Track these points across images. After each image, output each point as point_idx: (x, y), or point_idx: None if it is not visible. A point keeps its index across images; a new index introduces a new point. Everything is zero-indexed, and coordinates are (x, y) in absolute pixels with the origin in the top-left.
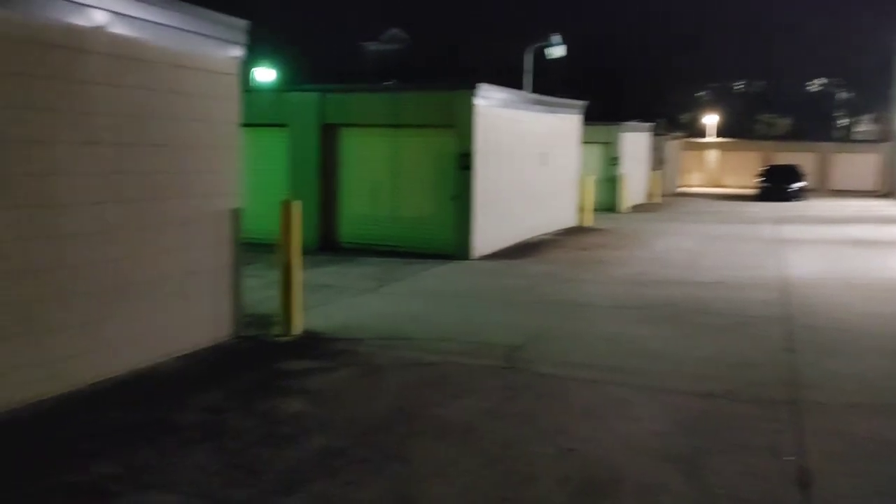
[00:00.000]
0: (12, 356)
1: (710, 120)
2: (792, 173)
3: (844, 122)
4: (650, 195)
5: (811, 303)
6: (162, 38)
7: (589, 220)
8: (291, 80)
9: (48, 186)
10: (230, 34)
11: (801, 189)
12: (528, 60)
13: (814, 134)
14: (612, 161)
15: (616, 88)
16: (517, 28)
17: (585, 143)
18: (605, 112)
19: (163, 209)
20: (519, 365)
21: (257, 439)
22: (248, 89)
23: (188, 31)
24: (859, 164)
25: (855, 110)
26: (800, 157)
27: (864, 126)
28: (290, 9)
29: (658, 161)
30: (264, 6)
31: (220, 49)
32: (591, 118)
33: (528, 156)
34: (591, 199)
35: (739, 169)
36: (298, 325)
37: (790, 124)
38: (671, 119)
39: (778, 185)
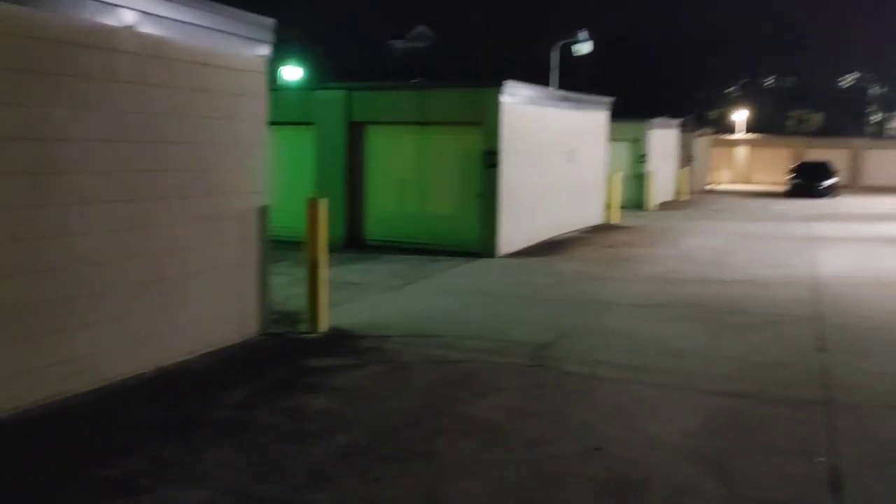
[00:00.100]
0: (41, 353)
1: (740, 116)
2: (823, 170)
3: (877, 117)
4: (678, 192)
5: (843, 301)
6: (190, 37)
7: (616, 218)
8: (318, 79)
9: (77, 184)
10: (257, 33)
11: (832, 186)
12: (555, 57)
13: (846, 130)
14: (640, 158)
15: (644, 85)
16: (544, 25)
17: (613, 140)
18: (632, 109)
19: (191, 207)
20: (546, 363)
21: (283, 436)
22: (275, 88)
23: (215, 30)
24: (892, 161)
25: (888, 105)
26: (831, 153)
27: None
28: (316, 7)
29: (686, 158)
30: (291, 5)
31: (247, 47)
32: (618, 115)
33: (554, 153)
34: (618, 197)
35: (769, 165)
36: (325, 322)
37: (822, 120)
38: (700, 115)
39: (809, 181)
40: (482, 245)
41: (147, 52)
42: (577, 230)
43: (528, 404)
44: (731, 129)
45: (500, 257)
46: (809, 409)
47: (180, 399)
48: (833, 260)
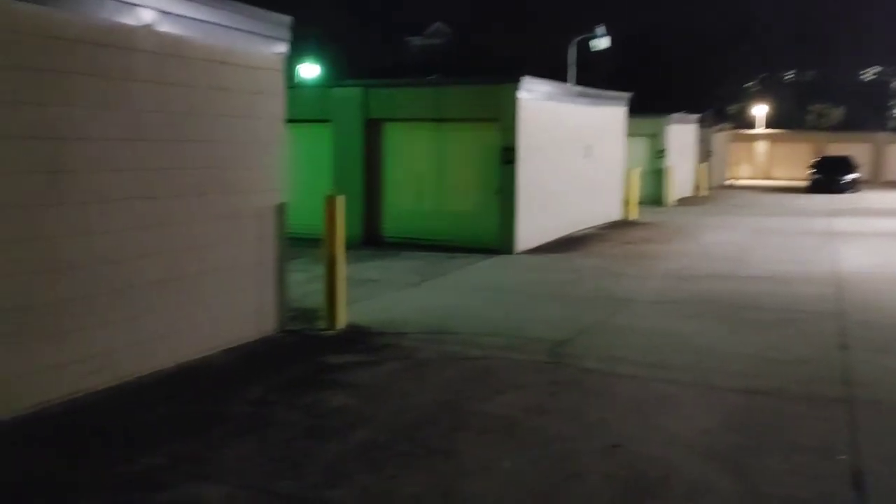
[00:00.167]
0: (62, 351)
1: (760, 111)
2: (844, 165)
3: None
4: (697, 188)
5: (864, 298)
6: (208, 36)
7: (634, 214)
8: (335, 76)
9: (96, 183)
10: (274, 31)
11: (853, 181)
12: (573, 53)
13: (867, 124)
14: (658, 154)
15: (662, 80)
16: (561, 20)
17: (631, 135)
18: (650, 104)
19: (209, 205)
20: (564, 360)
21: (302, 432)
22: (293, 85)
23: (233, 28)
24: None
25: None
26: (853, 147)
27: None
28: (333, 5)
29: (705, 153)
30: (308, 2)
31: (264, 45)
32: (636, 110)
33: (572, 149)
34: (636, 193)
35: (790, 160)
36: (343, 319)
37: (842, 114)
38: (719, 110)
39: (830, 176)
40: (500, 242)
41: (165, 50)
42: (595, 226)
43: (545, 401)
44: (750, 124)
45: (517, 254)
46: (831, 407)
47: (199, 395)
48: (855, 256)
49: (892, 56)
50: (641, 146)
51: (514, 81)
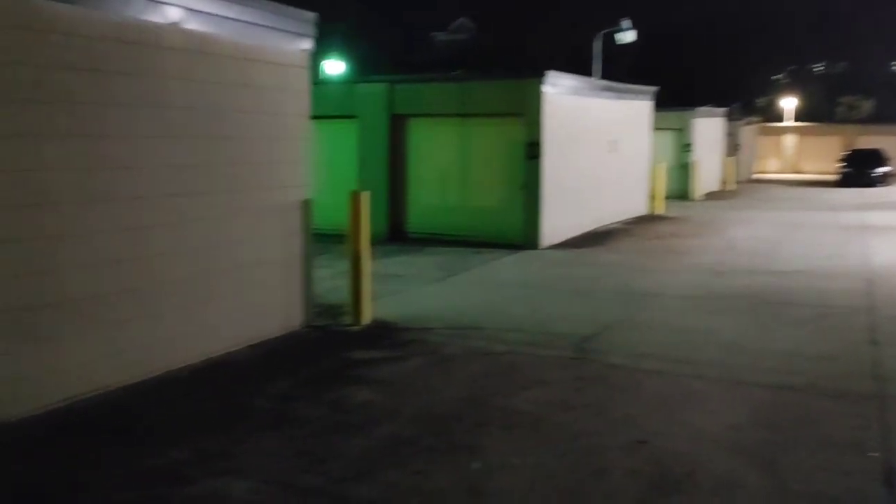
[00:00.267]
0: (91, 346)
1: (788, 103)
2: (875, 158)
3: None
4: (724, 182)
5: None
6: (234, 33)
7: (660, 209)
8: (360, 72)
9: (125, 180)
10: (299, 27)
11: (885, 174)
12: (598, 47)
13: None
14: (685, 147)
15: (688, 73)
16: (585, 15)
17: (657, 129)
18: (677, 97)
19: (235, 201)
20: (589, 356)
21: (327, 427)
22: (318, 82)
23: (258, 25)
24: None
25: None
26: (884, 140)
27: None
28: (358, 1)
29: (733, 147)
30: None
31: (289, 42)
32: (662, 104)
33: (597, 143)
34: (662, 187)
35: (819, 154)
36: (368, 314)
37: (873, 106)
38: (747, 103)
39: (860, 170)
40: (525, 237)
41: (192, 48)
42: (621, 221)
43: (570, 397)
44: (779, 117)
45: (542, 249)
46: (861, 403)
47: (225, 390)
48: (886, 250)
49: None
50: (668, 140)
51: (538, 76)
